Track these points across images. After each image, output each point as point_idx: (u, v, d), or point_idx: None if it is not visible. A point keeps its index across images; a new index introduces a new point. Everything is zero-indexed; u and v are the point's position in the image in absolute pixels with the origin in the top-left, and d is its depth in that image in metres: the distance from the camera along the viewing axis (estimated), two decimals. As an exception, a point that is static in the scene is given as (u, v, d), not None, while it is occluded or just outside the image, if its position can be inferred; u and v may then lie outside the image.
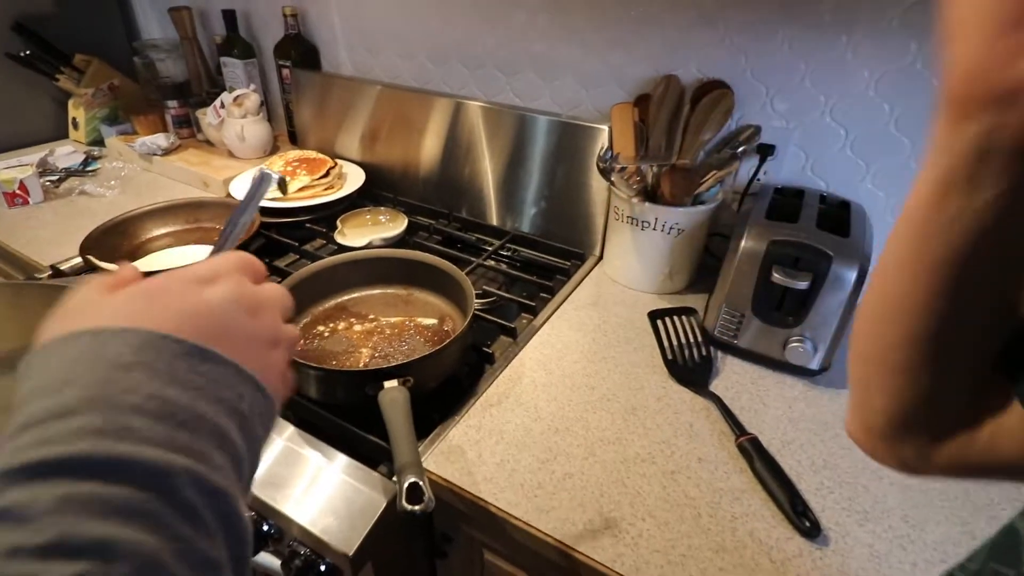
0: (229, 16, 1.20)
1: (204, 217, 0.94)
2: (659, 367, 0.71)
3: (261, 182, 0.41)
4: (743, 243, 0.68)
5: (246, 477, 0.24)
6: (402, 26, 1.06)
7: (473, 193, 1.03)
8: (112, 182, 1.13)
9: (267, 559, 0.60)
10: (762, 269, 0.67)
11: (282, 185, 0.85)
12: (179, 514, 0.19)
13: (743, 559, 0.49)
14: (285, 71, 1.17)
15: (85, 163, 1.21)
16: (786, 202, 0.76)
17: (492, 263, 0.91)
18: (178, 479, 0.19)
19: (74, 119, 1.33)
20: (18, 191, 1.02)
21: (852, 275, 0.63)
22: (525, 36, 0.94)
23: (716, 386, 0.68)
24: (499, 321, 0.75)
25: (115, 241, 0.85)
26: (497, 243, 0.96)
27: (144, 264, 0.85)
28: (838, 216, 0.73)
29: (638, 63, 0.87)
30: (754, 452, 0.58)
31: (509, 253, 0.97)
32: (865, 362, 0.31)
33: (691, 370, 0.70)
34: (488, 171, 1.01)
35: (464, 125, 1.00)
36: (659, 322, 0.76)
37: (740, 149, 0.79)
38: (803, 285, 0.64)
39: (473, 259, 0.89)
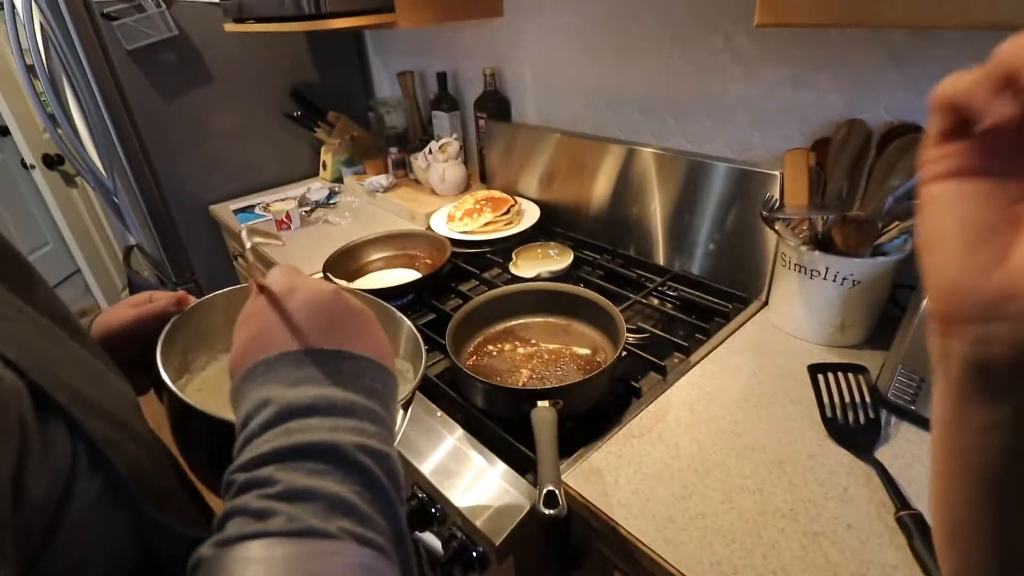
0: (442, 77, 1.43)
1: (409, 245, 1.14)
2: (816, 424, 0.68)
3: None
4: (927, 300, 0.63)
5: (393, 433, 0.33)
6: (583, 77, 1.17)
7: (640, 233, 1.08)
8: (346, 213, 1.41)
9: (431, 539, 0.72)
10: (946, 331, 0.61)
11: None
12: (353, 472, 0.28)
13: (885, 638, 0.46)
14: (481, 122, 1.36)
15: (329, 197, 1.54)
16: (990, 258, 0.67)
17: (651, 300, 0.95)
18: (347, 449, 0.29)
19: (324, 162, 1.69)
20: (284, 219, 1.35)
21: (1067, 348, 0.55)
22: (700, 77, 0.98)
23: (882, 453, 0.64)
24: (650, 358, 0.79)
25: (345, 262, 1.08)
26: (658, 280, 1.00)
27: (364, 282, 1.06)
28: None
29: (817, 106, 0.85)
30: (915, 529, 0.53)
31: (672, 292, 0.99)
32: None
33: (853, 431, 0.66)
34: (657, 213, 1.05)
35: (636, 169, 1.06)
36: (820, 376, 0.72)
37: (934, 197, 0.73)
38: (997, 354, 0.57)
39: (632, 296, 0.94)
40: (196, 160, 1.54)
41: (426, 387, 0.81)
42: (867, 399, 0.69)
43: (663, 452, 0.66)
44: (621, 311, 0.79)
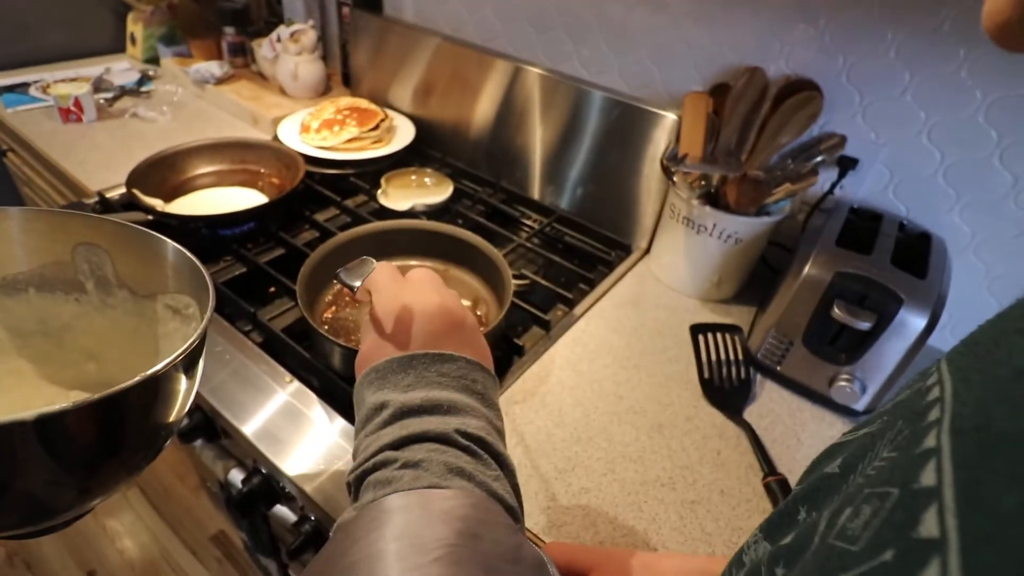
0: (293, -58, 1.14)
1: (250, 159, 0.93)
2: (693, 383, 0.68)
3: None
4: (806, 269, 0.63)
5: (496, 427, 0.35)
6: (471, -26, 0.99)
7: (521, 164, 0.99)
8: (164, 107, 1.12)
9: (285, 513, 0.62)
10: (823, 301, 0.62)
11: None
12: (462, 450, 0.32)
13: (753, 609, 0.48)
14: (345, 9, 1.12)
15: (140, 82, 1.21)
16: (861, 226, 0.70)
17: (532, 243, 0.88)
18: (454, 436, 0.32)
19: (132, 34, 1.31)
20: (72, 108, 1.02)
21: (921, 323, 0.58)
22: None
23: (751, 412, 0.65)
24: (533, 311, 0.73)
25: (161, 175, 0.85)
26: (544, 221, 0.93)
27: (186, 203, 0.84)
28: (917, 250, 0.67)
29: (721, 47, 0.80)
30: (781, 494, 0.55)
31: (552, 233, 0.93)
32: None
33: (727, 393, 0.67)
34: (539, 143, 0.96)
35: (521, 91, 0.94)
36: (701, 337, 0.72)
37: (819, 159, 0.72)
38: (865, 326, 0.59)
39: (514, 237, 0.86)
40: (-74, 7, 1.10)
41: (272, 343, 0.67)
42: (740, 358, 0.70)
43: (546, 420, 0.61)
44: (504, 255, 0.71)
